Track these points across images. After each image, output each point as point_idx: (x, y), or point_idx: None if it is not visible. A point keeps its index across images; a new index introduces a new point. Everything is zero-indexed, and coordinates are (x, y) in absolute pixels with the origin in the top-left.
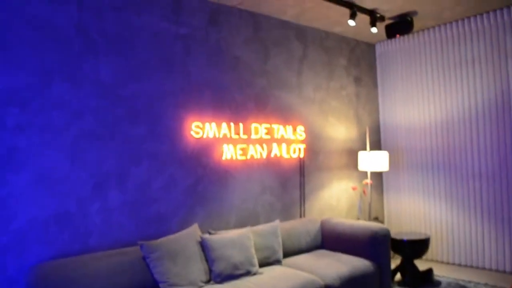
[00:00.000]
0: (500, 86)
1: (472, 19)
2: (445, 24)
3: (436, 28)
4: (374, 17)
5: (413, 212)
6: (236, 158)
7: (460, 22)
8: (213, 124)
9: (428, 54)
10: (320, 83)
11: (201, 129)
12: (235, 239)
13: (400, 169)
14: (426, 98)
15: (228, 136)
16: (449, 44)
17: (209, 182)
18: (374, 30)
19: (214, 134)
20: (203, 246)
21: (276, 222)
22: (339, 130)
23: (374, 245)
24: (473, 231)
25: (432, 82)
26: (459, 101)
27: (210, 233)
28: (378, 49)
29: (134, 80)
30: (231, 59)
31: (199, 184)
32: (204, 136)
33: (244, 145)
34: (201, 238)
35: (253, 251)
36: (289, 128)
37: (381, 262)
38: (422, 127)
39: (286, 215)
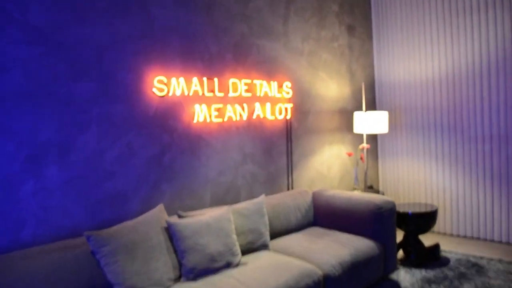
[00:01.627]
0: None
1: None
2: None
3: None
4: None
5: (413, 179)
6: (211, 120)
7: None
8: (182, 79)
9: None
10: (310, 32)
11: (166, 85)
12: (211, 223)
13: (398, 131)
14: (429, 50)
15: (200, 93)
16: None
17: (178, 151)
18: None
19: (183, 92)
20: (171, 233)
21: (261, 198)
22: (331, 87)
23: (378, 222)
24: (481, 200)
25: (437, 31)
26: (468, 53)
27: (179, 216)
28: None
29: (78, 22)
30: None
31: (165, 154)
32: (170, 94)
33: (220, 105)
34: (168, 223)
35: (234, 236)
36: (274, 84)
37: (386, 242)
38: (424, 83)
39: (271, 187)
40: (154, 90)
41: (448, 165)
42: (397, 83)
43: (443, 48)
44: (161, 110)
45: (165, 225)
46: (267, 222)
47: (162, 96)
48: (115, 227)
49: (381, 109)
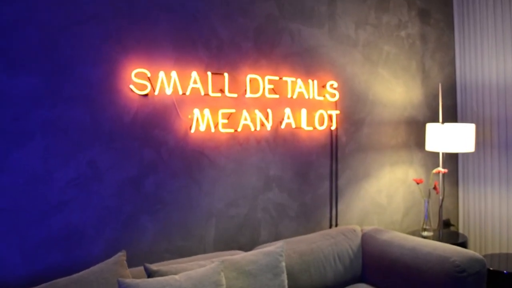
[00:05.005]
0: None
1: None
2: None
3: None
4: None
5: (507, 217)
6: (218, 130)
7: None
8: (174, 73)
9: None
10: (366, 16)
11: (149, 80)
12: None
13: (487, 151)
14: None
15: (203, 93)
16: None
17: (167, 173)
18: None
19: (176, 90)
20: None
21: (279, 245)
22: (396, 89)
23: None
24: None
25: None
26: None
27: (147, 270)
28: None
29: None
30: None
31: (147, 177)
32: (157, 93)
33: (231, 110)
34: (119, 284)
35: None
36: (314, 83)
37: None
38: None
39: (306, 224)
40: (132, 87)
41: None
42: (487, 87)
43: None
44: (143, 115)
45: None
46: (286, 284)
47: (145, 96)
48: None
49: (465, 120)
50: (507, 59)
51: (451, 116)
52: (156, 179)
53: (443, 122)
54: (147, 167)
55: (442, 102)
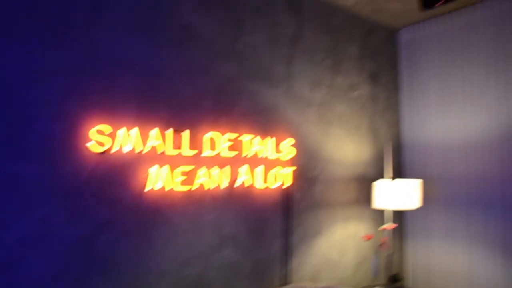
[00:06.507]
0: None
1: None
2: None
3: (487, 3)
4: None
5: (453, 270)
6: (174, 188)
7: None
8: (135, 130)
9: (479, 40)
10: (321, 77)
11: (110, 137)
12: None
13: (432, 207)
14: (475, 102)
15: (161, 151)
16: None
17: (121, 232)
18: None
19: (134, 148)
20: None
21: None
22: (348, 147)
23: None
24: None
25: (485, 80)
26: None
27: None
28: (404, 36)
29: None
30: (178, 28)
31: (100, 235)
32: (114, 151)
33: (189, 167)
34: None
35: None
36: (270, 141)
37: None
38: (468, 145)
39: (258, 281)
40: (91, 144)
41: (501, 254)
42: (431, 145)
43: (494, 100)
44: (100, 173)
45: None
46: None
47: (102, 153)
48: None
49: (411, 177)
50: (449, 119)
51: (399, 173)
52: (109, 238)
53: (392, 179)
54: (100, 225)
55: (391, 159)
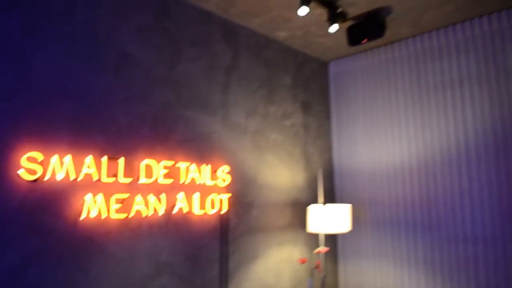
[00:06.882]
0: (500, 114)
1: (459, 25)
2: (422, 34)
3: (411, 39)
4: (334, 12)
5: (382, 286)
6: (109, 216)
7: (443, 30)
8: (68, 157)
9: (400, 75)
10: (256, 106)
11: (41, 165)
12: None
13: (362, 229)
14: (397, 132)
15: (96, 178)
16: (429, 59)
17: (53, 262)
18: (333, 28)
19: (68, 175)
20: None
21: None
22: (282, 173)
23: None
24: None
25: (405, 110)
26: (443, 135)
27: None
28: (333, 68)
29: None
30: (115, 54)
31: (30, 266)
32: (47, 178)
33: (125, 195)
34: None
35: None
36: (206, 168)
37: None
38: (392, 171)
39: None
40: (21, 172)
41: (423, 271)
42: (360, 171)
43: (412, 130)
44: (31, 202)
45: None
46: None
47: (34, 181)
48: None
49: (342, 202)
50: (375, 147)
51: (330, 198)
52: (40, 268)
53: (324, 203)
54: (31, 255)
55: (322, 185)
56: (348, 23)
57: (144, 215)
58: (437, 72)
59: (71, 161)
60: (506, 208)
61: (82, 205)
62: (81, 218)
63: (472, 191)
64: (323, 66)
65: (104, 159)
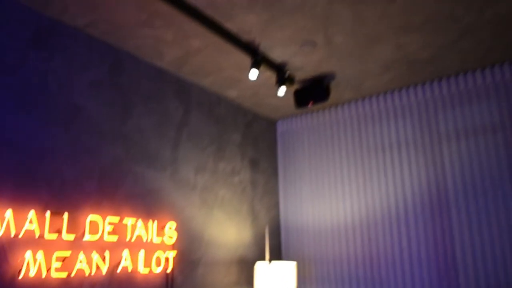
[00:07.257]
0: (434, 176)
1: (396, 93)
2: (364, 98)
3: (354, 103)
4: (282, 75)
5: None
6: (50, 275)
7: (382, 96)
8: (9, 212)
9: (343, 136)
10: (205, 162)
11: None
12: None
13: (308, 286)
14: (340, 190)
15: (38, 235)
16: (370, 123)
17: None
18: (281, 91)
19: (7, 231)
20: None
21: None
22: (229, 230)
23: None
24: None
25: (348, 170)
26: (383, 195)
27: None
28: (281, 126)
29: None
30: (66, 107)
31: None
32: None
33: (67, 252)
34: None
35: None
36: (153, 225)
37: None
38: (336, 229)
39: None
40: None
41: None
42: (305, 228)
43: (355, 189)
44: None
45: None
46: None
47: None
48: None
49: (288, 259)
50: (320, 205)
51: (277, 254)
52: None
53: (270, 261)
54: None
55: (269, 242)
56: (295, 86)
57: (86, 274)
58: (377, 135)
59: (12, 216)
60: (443, 264)
61: (22, 263)
62: (20, 277)
63: (411, 249)
64: (272, 124)
65: (48, 214)
